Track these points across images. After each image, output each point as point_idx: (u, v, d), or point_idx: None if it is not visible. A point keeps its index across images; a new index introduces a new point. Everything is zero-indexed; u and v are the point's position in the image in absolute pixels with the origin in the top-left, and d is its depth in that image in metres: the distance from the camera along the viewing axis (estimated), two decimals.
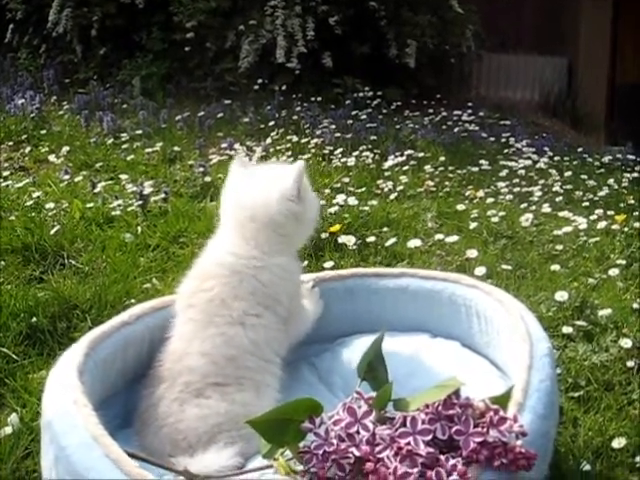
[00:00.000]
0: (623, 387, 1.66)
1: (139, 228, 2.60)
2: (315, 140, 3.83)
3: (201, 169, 3.40)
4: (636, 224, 2.72)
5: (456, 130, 4.35)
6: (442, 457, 0.95)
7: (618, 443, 1.42)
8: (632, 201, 3.20)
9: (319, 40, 4.96)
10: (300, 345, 1.46)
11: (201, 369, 1.23)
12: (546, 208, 2.88)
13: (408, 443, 0.98)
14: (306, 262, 2.26)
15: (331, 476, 1.03)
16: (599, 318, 1.93)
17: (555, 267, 2.27)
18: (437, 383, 1.05)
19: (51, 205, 2.79)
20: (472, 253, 2.17)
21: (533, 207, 2.94)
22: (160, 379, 1.24)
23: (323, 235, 2.29)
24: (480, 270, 2.09)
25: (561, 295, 1.99)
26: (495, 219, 2.62)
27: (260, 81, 5.03)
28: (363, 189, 3.06)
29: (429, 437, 0.99)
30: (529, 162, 3.72)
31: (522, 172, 3.49)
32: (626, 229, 2.67)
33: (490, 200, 2.95)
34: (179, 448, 1.17)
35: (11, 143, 4.05)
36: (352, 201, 2.61)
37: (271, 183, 1.36)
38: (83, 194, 3.05)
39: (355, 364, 1.16)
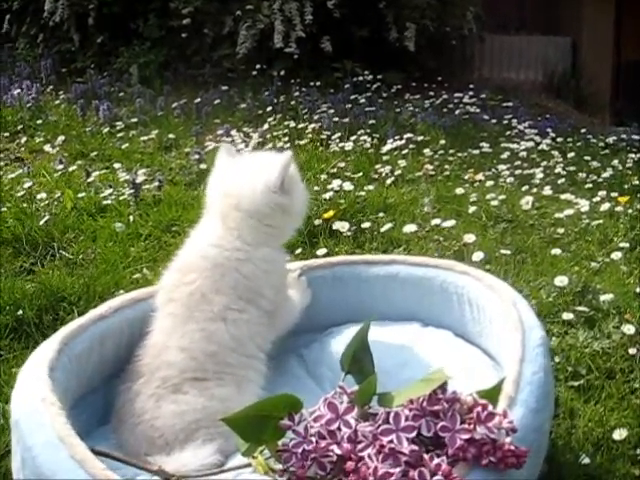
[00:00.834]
0: (625, 375, 1.61)
1: (131, 217, 2.55)
2: (313, 125, 3.77)
3: (196, 156, 3.35)
4: None
5: (457, 113, 4.28)
6: (426, 456, 0.90)
7: (619, 434, 1.36)
8: (637, 182, 3.13)
9: (317, 24, 4.87)
10: (288, 336, 1.41)
11: (179, 364, 1.18)
12: (548, 191, 2.82)
13: (391, 441, 0.93)
14: (300, 249, 2.21)
15: (312, 475, 0.98)
16: (601, 303, 1.87)
17: (556, 251, 2.21)
18: (424, 376, 1.00)
19: (43, 195, 2.75)
20: (470, 238, 2.11)
21: (534, 190, 2.87)
22: (138, 374, 1.20)
23: (317, 222, 2.24)
24: (478, 255, 2.03)
25: (562, 280, 1.93)
26: (495, 202, 2.55)
27: (258, 67, 4.96)
28: (360, 174, 3.00)
29: (413, 434, 0.94)
30: (531, 144, 3.64)
31: (524, 154, 3.42)
32: (630, 211, 2.60)
33: (490, 183, 2.88)
34: (155, 446, 1.13)
35: (7, 134, 4.00)
36: (348, 186, 2.55)
37: (257, 173, 1.31)
38: (77, 184, 3.00)
39: None
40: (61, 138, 3.75)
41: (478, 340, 1.32)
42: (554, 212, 2.57)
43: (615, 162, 3.48)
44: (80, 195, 2.74)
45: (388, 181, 2.86)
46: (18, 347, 1.77)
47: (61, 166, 3.20)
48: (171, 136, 3.70)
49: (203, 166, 3.25)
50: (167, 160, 3.48)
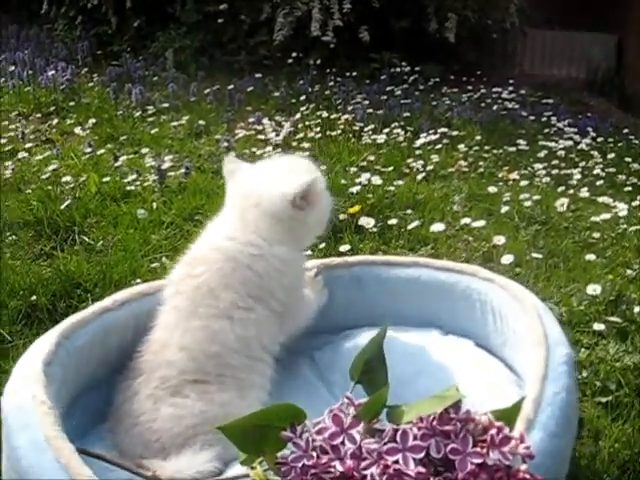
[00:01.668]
0: None
1: (154, 204, 2.51)
2: (346, 116, 3.69)
3: (226, 144, 3.30)
4: None
5: (495, 108, 4.16)
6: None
7: None
8: None
9: (356, 13, 4.79)
10: (301, 336, 1.35)
11: (179, 364, 1.12)
12: (585, 192, 2.71)
13: (396, 461, 0.86)
14: (323, 244, 2.15)
15: None
16: (635, 315, 1.77)
17: (590, 257, 2.11)
18: (437, 392, 0.93)
19: (68, 178, 2.72)
20: (499, 240, 2.02)
21: (571, 191, 2.77)
22: (137, 372, 1.15)
23: (342, 216, 2.17)
24: (507, 258, 1.95)
25: (594, 288, 1.84)
26: (528, 203, 2.46)
27: (294, 55, 4.89)
28: (391, 168, 2.92)
29: (421, 455, 0.87)
30: (570, 143, 3.52)
31: (562, 153, 3.30)
32: None
33: (525, 183, 2.78)
34: (152, 449, 1.08)
35: (39, 115, 4.00)
36: (377, 180, 2.48)
37: (280, 177, 1.26)
38: (104, 168, 2.98)
39: None
40: (92, 121, 3.73)
41: (501, 352, 1.24)
42: (590, 215, 2.47)
43: None
44: (105, 179, 2.71)
45: (419, 176, 2.78)
46: (30, 334, 1.73)
47: (89, 149, 3.18)
48: (202, 122, 3.66)
49: (232, 154, 3.21)
50: (196, 147, 3.44)
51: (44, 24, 5.86)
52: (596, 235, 2.31)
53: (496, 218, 2.44)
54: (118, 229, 2.35)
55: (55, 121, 3.86)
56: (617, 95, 5.48)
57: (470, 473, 0.85)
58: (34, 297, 1.84)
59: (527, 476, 0.83)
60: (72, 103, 4.08)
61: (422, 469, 0.85)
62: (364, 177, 2.50)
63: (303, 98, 4.12)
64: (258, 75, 4.66)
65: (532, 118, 4.01)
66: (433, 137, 3.35)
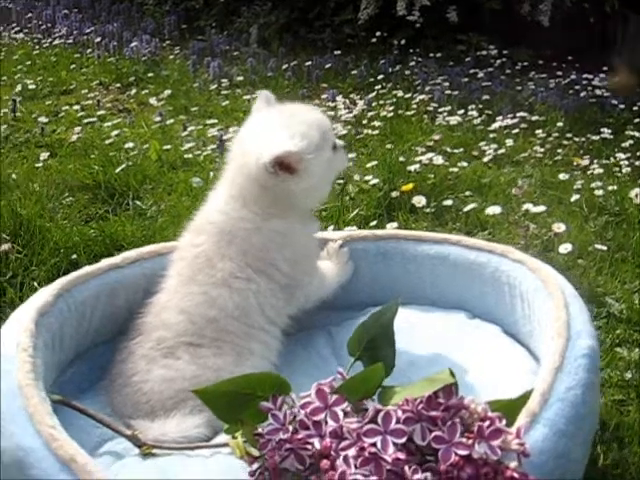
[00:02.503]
0: None
1: (211, 173, 2.48)
2: (422, 96, 3.58)
3: None
4: None
5: (583, 95, 3.93)
6: (407, 469, 0.75)
7: None
8: None
9: None
10: (321, 311, 1.28)
11: (177, 326, 1.08)
12: None
13: (374, 444, 0.78)
14: (375, 222, 2.07)
15: (289, 468, 0.85)
16: None
17: None
18: (431, 374, 0.85)
19: (131, 145, 2.74)
20: (559, 227, 1.88)
21: None
22: (136, 332, 1.11)
23: (394, 194, 2.08)
24: (566, 247, 1.81)
25: None
26: (600, 192, 2.29)
27: (379, 34, 4.78)
28: (461, 149, 2.80)
29: (402, 440, 0.79)
30: None
31: None
32: None
33: (600, 171, 2.60)
34: (141, 411, 1.04)
35: (119, 85, 4.07)
36: (439, 160, 2.36)
37: (266, 136, 1.13)
38: (170, 137, 2.98)
39: None
40: (168, 92, 3.76)
41: (527, 341, 1.13)
42: None
43: None
44: (166, 147, 2.71)
45: (487, 159, 2.64)
46: None
47: (159, 118, 3.20)
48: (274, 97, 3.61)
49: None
50: None
51: None
52: None
53: (567, 207, 2.29)
54: (172, 196, 2.34)
55: (133, 91, 3.91)
56: None
57: (453, 465, 0.76)
58: (75, 256, 1.84)
59: (515, 475, 0.74)
60: (151, 74, 4.12)
61: (401, 455, 0.77)
62: (426, 157, 2.39)
63: (381, 77, 4.02)
64: (339, 53, 4.58)
65: (622, 107, 3.76)
66: (510, 121, 3.19)
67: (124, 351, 1.10)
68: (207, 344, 1.07)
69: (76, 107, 3.45)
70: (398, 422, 0.80)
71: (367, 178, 2.27)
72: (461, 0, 4.68)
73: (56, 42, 4.85)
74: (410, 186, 2.09)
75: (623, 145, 3.05)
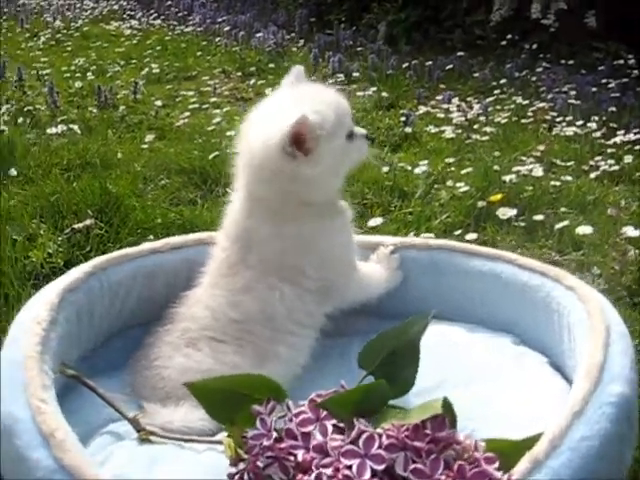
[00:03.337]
0: None
1: None
2: (542, 104, 3.41)
3: (403, 118, 3.19)
4: None
5: None
6: None
7: None
8: None
9: None
10: (363, 316, 1.23)
11: (202, 320, 1.06)
12: None
13: (349, 467, 0.73)
14: (459, 231, 1.98)
15: (273, 476, 0.81)
16: None
17: None
18: (426, 402, 0.78)
19: (233, 133, 2.77)
20: None
21: None
22: (168, 320, 1.10)
23: (480, 203, 1.98)
24: None
25: None
26: None
27: (509, 37, 4.61)
28: (572, 162, 2.64)
29: (381, 467, 0.73)
30: None
31: None
32: None
33: None
34: (157, 395, 1.03)
35: (240, 74, 4.15)
36: (538, 172, 2.23)
37: (272, 119, 1.01)
38: None
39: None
40: None
41: (573, 376, 1.02)
42: None
43: None
44: None
45: (594, 174, 2.47)
46: None
47: None
48: (385, 95, 3.57)
49: (408, 129, 3.09)
50: (378, 118, 3.37)
51: None
52: None
53: None
54: None
55: (252, 81, 3.98)
56: None
57: None
58: (151, 237, 1.88)
59: None
60: (272, 65, 4.18)
61: None
62: (526, 167, 2.27)
63: (504, 81, 3.88)
64: (464, 54, 4.46)
65: None
66: (634, 137, 2.97)
67: (154, 335, 1.10)
68: (229, 341, 1.04)
69: (192, 93, 3.54)
70: (380, 447, 0.74)
71: (458, 185, 2.18)
72: (601, 4, 4.44)
73: (189, 29, 5.03)
74: (499, 196, 1.98)
75: None
